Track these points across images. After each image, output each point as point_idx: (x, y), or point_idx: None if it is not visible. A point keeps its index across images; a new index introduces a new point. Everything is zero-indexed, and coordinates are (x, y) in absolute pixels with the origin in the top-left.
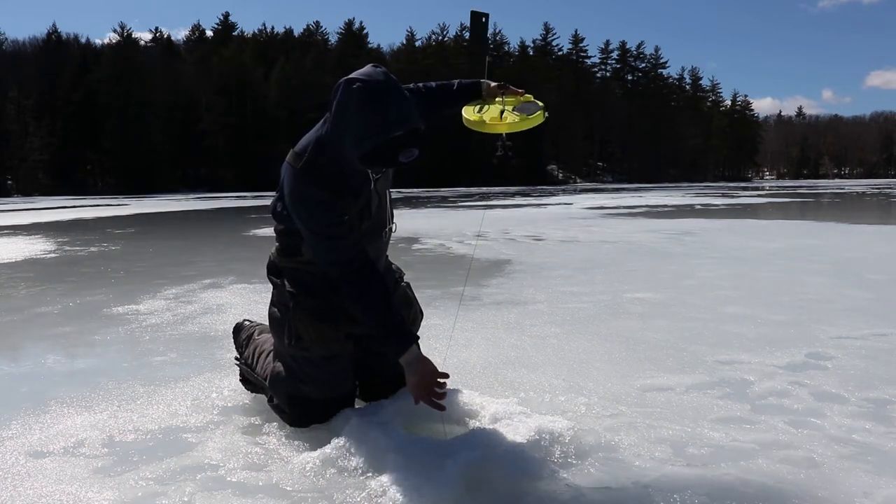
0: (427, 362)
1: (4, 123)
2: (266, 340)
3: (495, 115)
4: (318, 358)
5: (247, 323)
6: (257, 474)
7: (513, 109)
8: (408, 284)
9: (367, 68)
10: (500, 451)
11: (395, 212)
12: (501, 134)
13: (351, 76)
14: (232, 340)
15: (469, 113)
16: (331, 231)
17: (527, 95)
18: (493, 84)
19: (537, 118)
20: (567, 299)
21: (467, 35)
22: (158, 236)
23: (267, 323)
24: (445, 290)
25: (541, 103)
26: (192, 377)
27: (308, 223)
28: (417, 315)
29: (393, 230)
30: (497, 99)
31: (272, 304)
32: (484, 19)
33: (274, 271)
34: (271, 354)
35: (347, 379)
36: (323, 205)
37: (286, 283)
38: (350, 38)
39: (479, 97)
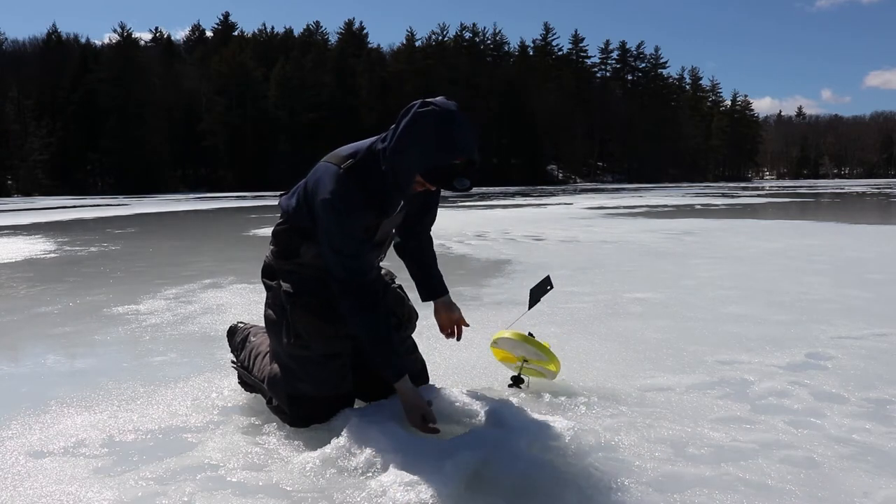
0: (418, 399)
1: (4, 123)
2: (262, 342)
3: (510, 360)
4: (319, 356)
5: (240, 325)
6: (257, 474)
7: (526, 364)
8: (400, 286)
9: (441, 98)
10: (500, 451)
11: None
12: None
13: (427, 100)
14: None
15: (504, 344)
16: (357, 240)
17: (544, 346)
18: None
19: (540, 376)
20: (567, 299)
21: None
22: (158, 236)
23: (262, 324)
24: None
25: (554, 365)
26: (192, 377)
27: (334, 225)
28: (412, 313)
29: (385, 254)
30: (518, 357)
31: (267, 306)
32: (549, 287)
33: (268, 274)
34: (268, 356)
35: (347, 378)
36: (357, 211)
37: (282, 284)
38: (350, 38)
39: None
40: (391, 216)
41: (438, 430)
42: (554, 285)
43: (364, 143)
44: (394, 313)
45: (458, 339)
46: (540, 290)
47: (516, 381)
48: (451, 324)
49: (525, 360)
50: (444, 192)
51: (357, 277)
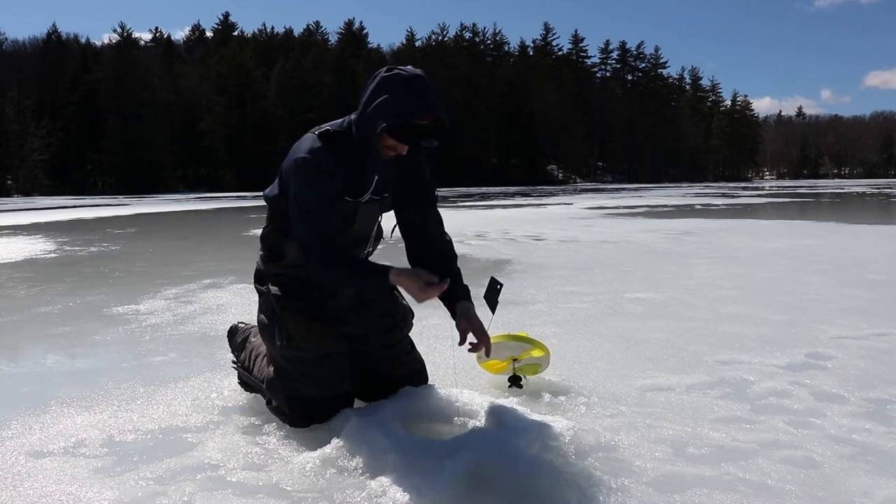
0: (412, 273)
1: (4, 123)
2: (262, 343)
3: (502, 365)
4: (313, 357)
5: (241, 325)
6: (257, 474)
7: (517, 363)
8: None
9: (408, 67)
10: (500, 451)
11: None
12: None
13: (391, 67)
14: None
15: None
16: (326, 201)
17: (544, 348)
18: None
19: (533, 371)
20: (567, 299)
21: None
22: (158, 236)
23: None
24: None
25: (539, 350)
26: (192, 377)
27: (303, 184)
28: (407, 311)
29: (372, 252)
30: (507, 360)
31: (259, 311)
32: (499, 287)
33: (259, 279)
34: (268, 357)
35: (344, 377)
36: (329, 174)
37: (271, 288)
38: (350, 38)
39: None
40: (368, 201)
41: (444, 286)
42: (502, 282)
43: (343, 118)
44: (389, 314)
45: (488, 354)
46: (492, 293)
47: (514, 382)
48: (467, 333)
49: (515, 360)
50: (441, 193)
51: (323, 238)
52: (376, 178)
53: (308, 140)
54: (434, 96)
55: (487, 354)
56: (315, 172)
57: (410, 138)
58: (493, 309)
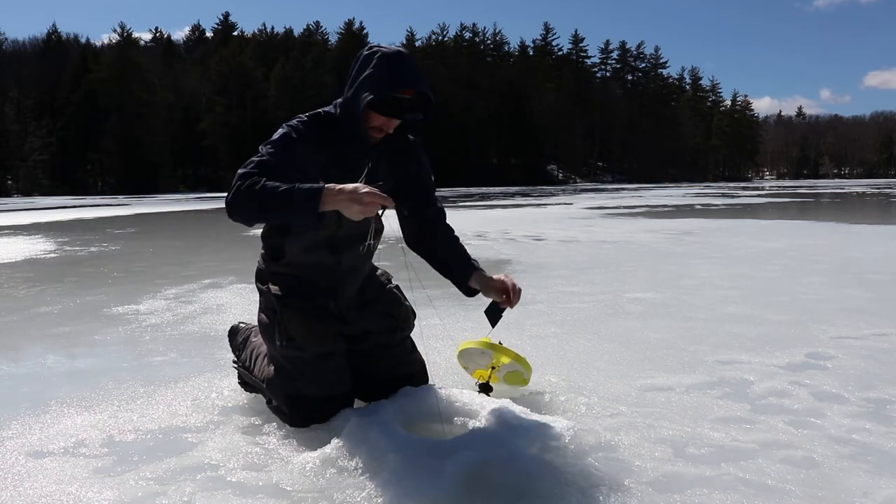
0: (344, 188)
1: (4, 123)
2: (263, 342)
3: (483, 373)
4: (313, 357)
5: (242, 325)
6: (257, 474)
7: (500, 373)
8: (396, 286)
9: (391, 45)
10: (500, 451)
11: (383, 223)
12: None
13: (371, 45)
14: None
15: (465, 359)
16: (278, 152)
17: (520, 358)
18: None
19: (518, 381)
20: (567, 299)
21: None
22: (158, 236)
23: None
24: (445, 290)
25: (527, 372)
26: (192, 377)
27: (268, 141)
28: (409, 313)
29: (373, 247)
30: (491, 363)
31: (260, 310)
32: (503, 306)
33: (260, 278)
34: (268, 357)
35: (344, 377)
36: (307, 141)
37: (271, 287)
38: (350, 38)
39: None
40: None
41: (389, 200)
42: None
43: (333, 102)
44: (391, 314)
45: (512, 302)
46: (496, 311)
47: (484, 389)
48: (503, 290)
49: (493, 367)
50: (441, 193)
51: (258, 168)
52: (369, 164)
53: (295, 119)
54: (416, 71)
55: (512, 304)
56: (287, 136)
57: (394, 111)
58: (493, 323)
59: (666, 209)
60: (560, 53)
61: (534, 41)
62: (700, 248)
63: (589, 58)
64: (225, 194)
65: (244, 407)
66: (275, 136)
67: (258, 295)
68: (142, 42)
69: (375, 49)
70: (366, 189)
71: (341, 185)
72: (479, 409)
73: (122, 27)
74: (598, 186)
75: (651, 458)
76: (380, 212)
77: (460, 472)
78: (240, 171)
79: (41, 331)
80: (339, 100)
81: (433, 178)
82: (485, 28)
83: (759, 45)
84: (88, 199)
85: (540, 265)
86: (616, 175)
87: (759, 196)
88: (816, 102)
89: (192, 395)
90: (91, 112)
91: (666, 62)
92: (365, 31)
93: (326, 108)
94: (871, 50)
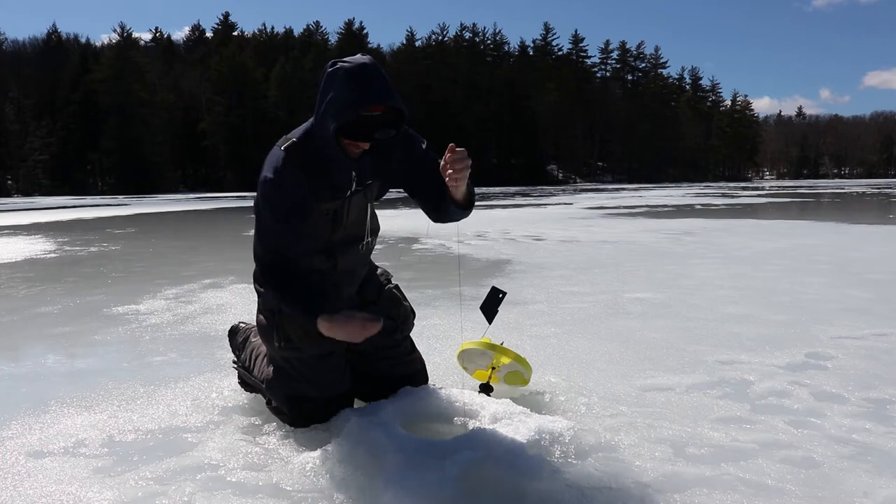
0: (343, 318)
1: (4, 123)
2: (263, 343)
3: (484, 373)
4: (311, 357)
5: (242, 325)
6: (257, 474)
7: (500, 373)
8: (396, 286)
9: (357, 55)
10: (500, 451)
11: (381, 223)
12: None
13: (336, 59)
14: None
15: (465, 360)
16: (280, 220)
17: (521, 358)
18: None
19: (518, 381)
20: (567, 299)
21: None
22: (158, 236)
23: None
24: (445, 290)
25: (528, 372)
26: (192, 377)
27: (262, 206)
28: (408, 314)
29: (371, 244)
30: (492, 362)
31: (259, 311)
32: (501, 296)
33: (258, 279)
34: (267, 357)
35: (343, 377)
36: (289, 194)
37: None
38: (350, 38)
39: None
40: (354, 192)
41: (379, 319)
42: (505, 291)
43: (308, 121)
44: (390, 315)
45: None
46: (493, 303)
47: (485, 390)
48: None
49: (493, 368)
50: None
51: (275, 256)
52: (354, 173)
53: (273, 157)
54: (382, 83)
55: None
56: (275, 193)
57: (363, 133)
58: (489, 319)
59: (666, 209)
60: (560, 53)
61: (534, 41)
62: (700, 248)
63: (589, 58)
64: (225, 194)
65: (244, 407)
66: (267, 192)
67: (257, 296)
68: (142, 42)
69: (339, 66)
70: (356, 327)
71: (334, 324)
72: (479, 409)
73: (122, 27)
74: (598, 186)
75: (651, 458)
76: (369, 207)
77: (460, 472)
78: (260, 255)
79: (41, 331)
80: (312, 122)
81: (426, 144)
82: (485, 28)
83: (758, 45)
84: (88, 199)
85: (540, 265)
86: (616, 175)
87: (759, 196)
88: (816, 102)
89: (192, 395)
90: (91, 112)
91: (666, 62)
92: (365, 31)
93: (301, 131)
94: (871, 50)
